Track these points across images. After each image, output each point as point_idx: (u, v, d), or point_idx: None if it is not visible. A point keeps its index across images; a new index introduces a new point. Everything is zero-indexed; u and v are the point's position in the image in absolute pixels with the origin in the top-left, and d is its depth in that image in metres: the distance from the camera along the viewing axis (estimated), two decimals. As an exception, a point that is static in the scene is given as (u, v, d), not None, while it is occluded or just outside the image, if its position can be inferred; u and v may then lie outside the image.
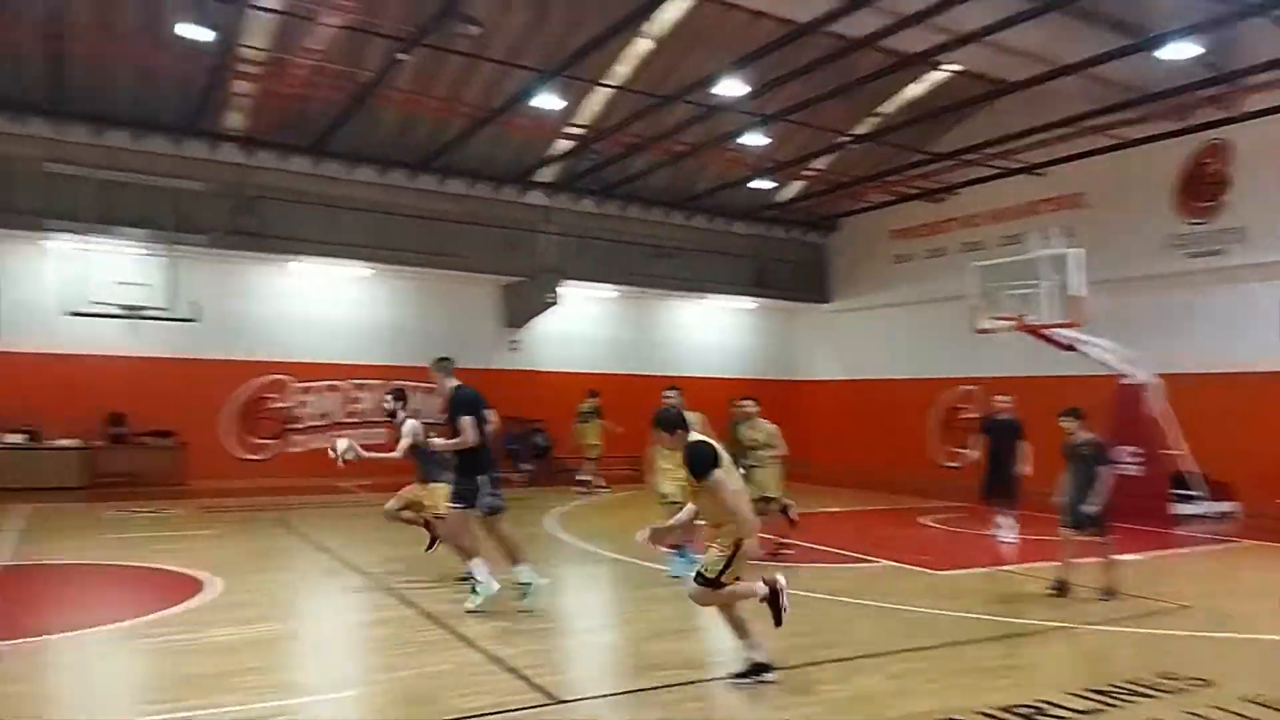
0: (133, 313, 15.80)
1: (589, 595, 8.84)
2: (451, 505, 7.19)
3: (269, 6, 13.26)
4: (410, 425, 8.18)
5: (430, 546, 8.61)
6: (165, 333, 16.25)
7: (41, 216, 15.12)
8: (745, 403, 10.08)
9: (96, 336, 15.82)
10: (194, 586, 7.94)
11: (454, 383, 7.29)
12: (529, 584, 7.12)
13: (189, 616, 6.96)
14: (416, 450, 8.10)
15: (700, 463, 5.30)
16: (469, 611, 6.98)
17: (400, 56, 13.89)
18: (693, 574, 5.50)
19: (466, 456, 7.09)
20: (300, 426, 18.32)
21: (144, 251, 16.17)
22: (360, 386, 18.85)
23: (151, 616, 6.91)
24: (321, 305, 18.39)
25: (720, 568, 5.28)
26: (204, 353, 16.78)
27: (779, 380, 22.95)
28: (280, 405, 18.09)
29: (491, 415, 7.41)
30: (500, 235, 19.21)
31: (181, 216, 16.21)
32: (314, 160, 17.82)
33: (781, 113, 16.15)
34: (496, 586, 7.08)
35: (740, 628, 5.47)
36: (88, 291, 15.33)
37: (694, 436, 5.51)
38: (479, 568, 7.06)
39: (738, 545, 5.28)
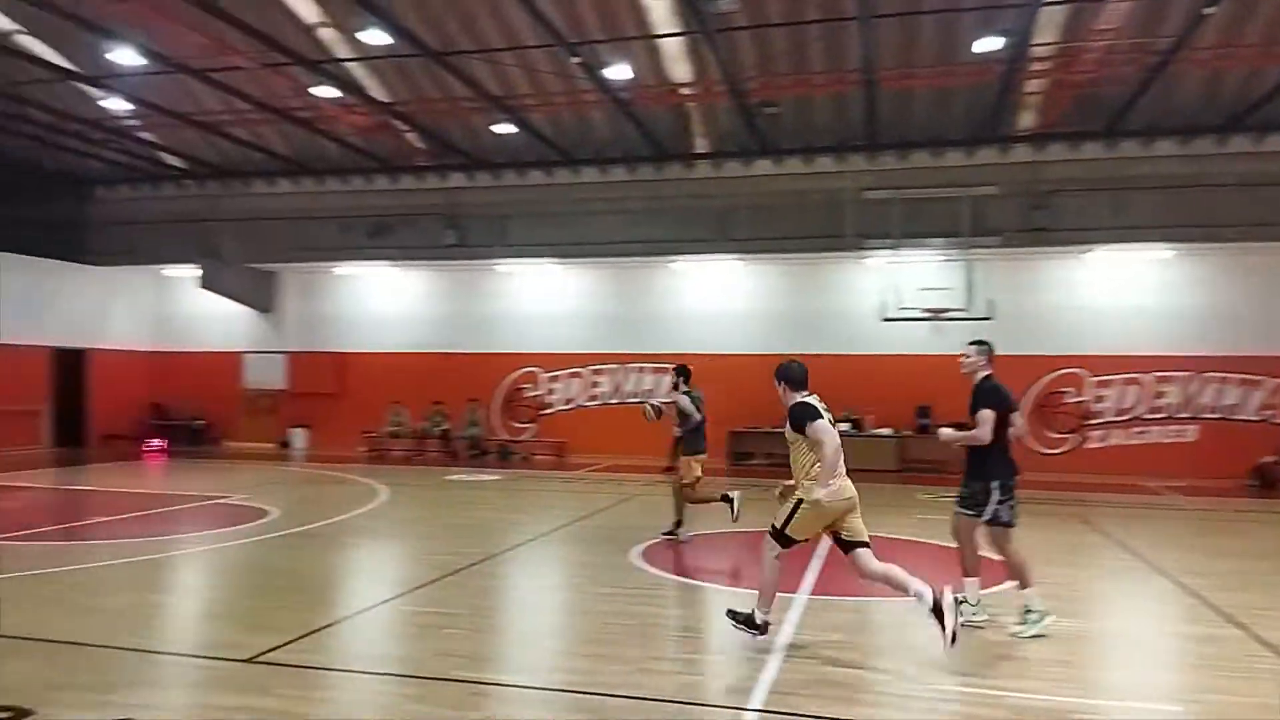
0: (935, 315, 17.39)
1: None
2: (959, 510, 6.57)
3: (1061, -1, 13.17)
4: (683, 400, 9.55)
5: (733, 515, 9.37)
6: (963, 332, 17.37)
7: (862, 238, 17.68)
8: None
9: (905, 339, 17.84)
10: (1001, 572, 8.36)
11: (986, 371, 6.61)
12: (1033, 614, 6.25)
13: (995, 599, 7.37)
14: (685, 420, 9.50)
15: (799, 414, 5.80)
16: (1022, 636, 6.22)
17: (1207, 11, 12.36)
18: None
19: (977, 456, 6.48)
20: (1098, 421, 17.71)
21: (943, 258, 17.68)
22: (1164, 379, 17.36)
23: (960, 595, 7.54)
24: (1116, 295, 17.47)
25: (784, 519, 5.79)
26: (999, 349, 17.50)
27: None
28: (1077, 399, 17.75)
29: (1018, 420, 6.73)
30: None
31: (976, 221, 17.18)
32: (1106, 144, 17.02)
33: None
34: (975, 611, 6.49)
35: (768, 586, 5.84)
36: (898, 299, 17.45)
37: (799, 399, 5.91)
38: (971, 587, 6.56)
39: (798, 504, 5.73)
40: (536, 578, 8.58)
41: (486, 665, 5.61)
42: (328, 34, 15.59)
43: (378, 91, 17.29)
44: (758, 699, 4.95)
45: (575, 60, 14.62)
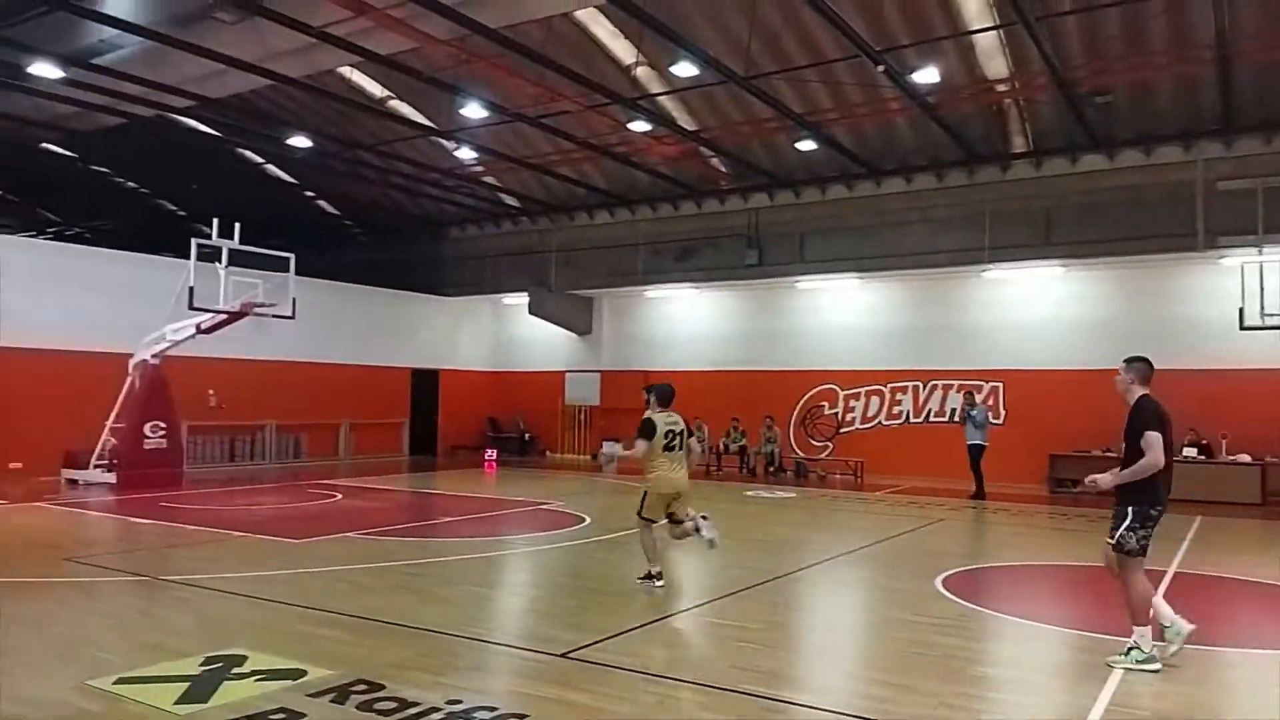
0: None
1: None
2: (1110, 540, 5.97)
3: None
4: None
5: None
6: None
7: (1215, 235, 15.48)
8: None
9: (1271, 350, 15.31)
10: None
11: (1142, 391, 6.02)
12: (1137, 651, 5.71)
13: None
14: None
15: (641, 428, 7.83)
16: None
17: None
18: None
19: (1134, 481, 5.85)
20: None
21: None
22: None
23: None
24: None
25: (640, 505, 7.92)
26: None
27: None
28: None
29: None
30: None
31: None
32: None
33: None
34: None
35: (650, 551, 7.99)
36: (1261, 304, 14.98)
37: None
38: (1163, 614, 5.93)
39: (645, 494, 7.89)
40: (833, 598, 8.43)
41: (780, 682, 5.59)
42: (642, 72, 16.62)
43: (685, 121, 18.10)
44: (1075, 751, 4.49)
45: (879, 69, 14.30)
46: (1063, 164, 17.64)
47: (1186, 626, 5.84)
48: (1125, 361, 6.20)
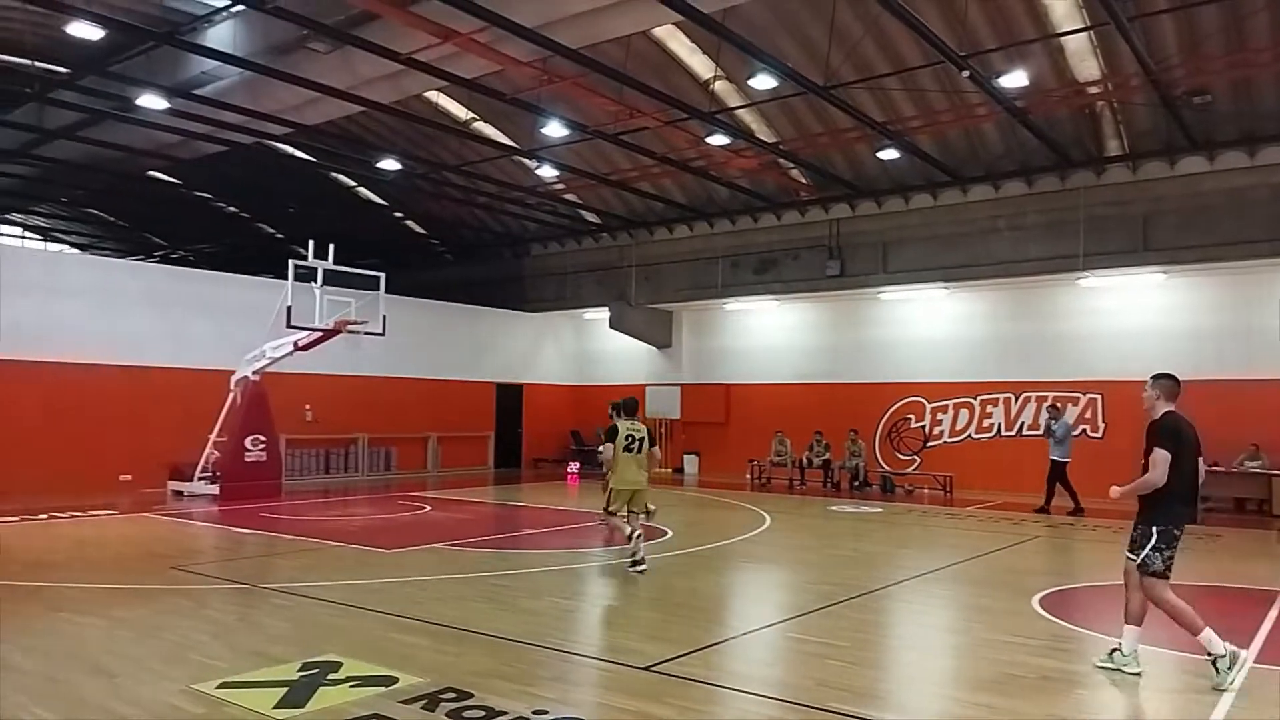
0: None
1: None
2: (1126, 554, 6.08)
3: None
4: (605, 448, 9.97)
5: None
6: None
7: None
8: None
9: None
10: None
11: (1167, 408, 6.08)
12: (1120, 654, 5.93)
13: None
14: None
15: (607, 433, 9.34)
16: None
17: None
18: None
19: (1147, 498, 5.95)
20: None
21: None
22: None
23: None
24: None
25: (606, 503, 9.44)
26: None
27: None
28: None
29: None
30: None
31: None
32: None
33: None
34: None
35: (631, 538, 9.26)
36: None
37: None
38: (1129, 635, 6.00)
39: (610, 491, 9.37)
40: (922, 616, 8.22)
41: (867, 701, 5.48)
42: (720, 86, 16.64)
43: (764, 133, 18.02)
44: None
45: (965, 74, 14.00)
46: (1161, 167, 16.95)
47: (1135, 668, 5.94)
48: (1151, 378, 6.25)
